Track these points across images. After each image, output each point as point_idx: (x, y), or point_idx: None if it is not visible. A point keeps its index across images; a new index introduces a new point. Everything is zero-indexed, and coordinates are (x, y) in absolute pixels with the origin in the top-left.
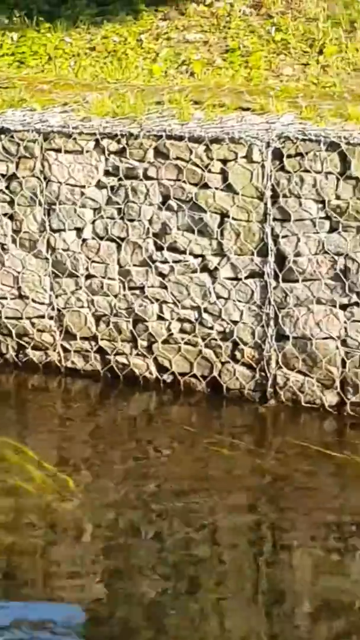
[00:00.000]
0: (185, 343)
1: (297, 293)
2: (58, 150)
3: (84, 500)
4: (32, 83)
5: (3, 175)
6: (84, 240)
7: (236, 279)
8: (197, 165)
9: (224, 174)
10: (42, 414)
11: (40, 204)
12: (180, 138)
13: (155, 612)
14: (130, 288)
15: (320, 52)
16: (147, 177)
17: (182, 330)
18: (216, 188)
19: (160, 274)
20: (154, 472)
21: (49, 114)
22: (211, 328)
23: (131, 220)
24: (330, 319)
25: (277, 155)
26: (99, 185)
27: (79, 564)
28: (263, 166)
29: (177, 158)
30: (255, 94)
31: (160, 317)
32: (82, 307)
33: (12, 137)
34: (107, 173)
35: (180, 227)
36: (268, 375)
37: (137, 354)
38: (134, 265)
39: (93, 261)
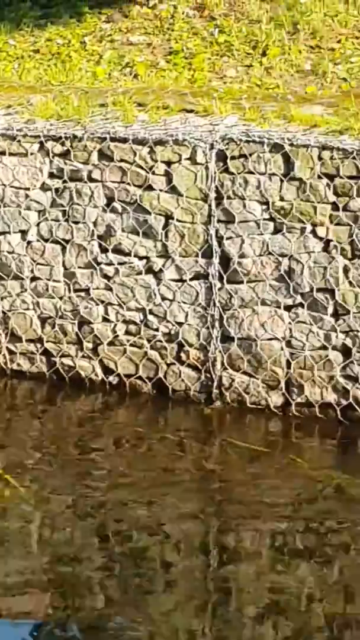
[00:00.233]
0: (131, 345)
1: (242, 294)
2: (2, 153)
3: (28, 502)
4: None
5: None
6: (29, 242)
7: (181, 280)
8: (141, 167)
9: (168, 175)
10: None
11: None
12: (124, 140)
13: (104, 612)
14: (76, 290)
15: (264, 54)
16: (91, 180)
17: (127, 332)
18: (160, 190)
19: (105, 276)
20: (99, 474)
21: None
22: (156, 330)
23: (76, 223)
24: (275, 320)
25: (221, 157)
26: (44, 188)
27: (25, 572)
28: (207, 168)
29: (121, 160)
30: (199, 95)
31: (105, 319)
32: (28, 309)
33: None
34: (51, 175)
35: (125, 229)
36: (213, 376)
37: (83, 356)
38: (79, 267)
39: (38, 263)
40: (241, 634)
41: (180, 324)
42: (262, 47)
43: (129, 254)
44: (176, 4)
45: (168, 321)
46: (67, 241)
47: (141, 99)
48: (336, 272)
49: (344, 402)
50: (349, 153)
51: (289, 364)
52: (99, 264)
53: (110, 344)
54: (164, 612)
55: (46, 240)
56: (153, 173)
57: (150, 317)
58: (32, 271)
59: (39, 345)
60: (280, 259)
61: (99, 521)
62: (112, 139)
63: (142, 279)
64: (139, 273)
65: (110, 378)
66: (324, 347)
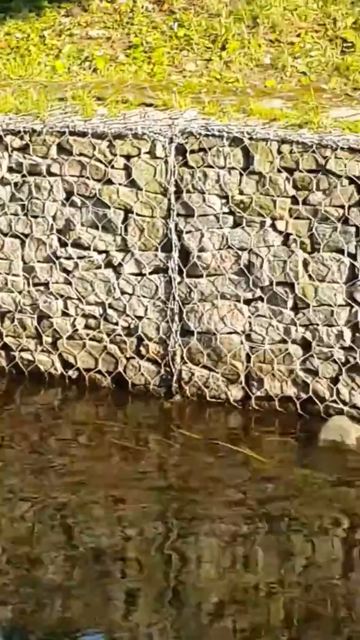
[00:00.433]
0: (90, 339)
1: (202, 288)
2: None
3: None
4: None
5: None
6: None
7: (140, 274)
8: (100, 162)
9: (127, 169)
10: None
11: None
12: (84, 134)
13: (61, 602)
14: (35, 284)
15: (223, 48)
16: (50, 174)
17: (86, 326)
18: (120, 184)
19: (65, 270)
20: (58, 468)
21: None
22: (116, 324)
23: (35, 217)
24: (234, 314)
25: (180, 150)
26: (2, 182)
27: None
28: (166, 162)
29: (81, 154)
30: (158, 89)
31: (64, 313)
32: None
33: None
34: (10, 169)
35: (84, 223)
36: (173, 370)
37: (42, 350)
38: (38, 261)
39: None
40: (200, 631)
41: (139, 318)
42: (221, 41)
43: (88, 248)
44: None
45: (127, 315)
46: (26, 235)
47: (100, 93)
48: (296, 265)
49: (304, 396)
50: (309, 147)
51: (248, 357)
52: (58, 258)
53: (70, 338)
54: (123, 604)
55: (5, 235)
56: (112, 167)
57: (109, 311)
58: None
59: None
60: (239, 252)
61: (59, 516)
62: (71, 133)
63: (102, 273)
64: (99, 267)
65: (70, 372)
66: (284, 341)
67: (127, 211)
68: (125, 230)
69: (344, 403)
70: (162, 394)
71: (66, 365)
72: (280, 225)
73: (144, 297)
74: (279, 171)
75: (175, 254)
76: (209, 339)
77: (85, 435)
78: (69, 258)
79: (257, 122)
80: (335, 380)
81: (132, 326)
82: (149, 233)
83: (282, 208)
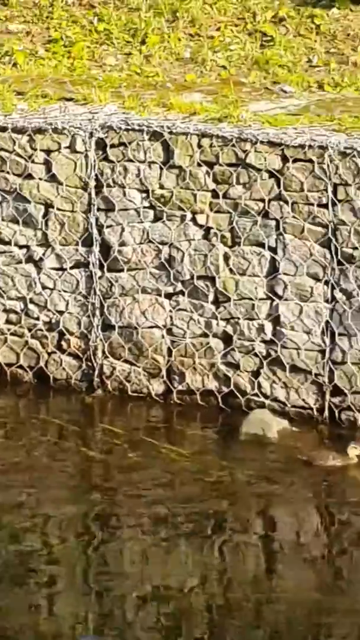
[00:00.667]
0: (12, 334)
1: (123, 282)
2: None
3: None
4: None
5: None
6: None
7: (61, 269)
8: (20, 156)
9: (47, 164)
10: None
11: None
12: (3, 129)
13: None
14: None
15: (143, 42)
16: None
17: (7, 321)
18: (40, 178)
19: None
20: None
21: None
22: (37, 319)
23: None
24: (155, 308)
25: (101, 145)
26: None
27: None
28: (87, 156)
29: (1, 149)
30: (78, 84)
31: None
32: None
33: None
34: None
35: (5, 218)
36: (94, 364)
37: None
38: None
39: None
40: (123, 620)
41: (61, 312)
42: (141, 35)
43: (8, 243)
44: None
45: (49, 310)
46: None
47: (20, 88)
48: (216, 259)
49: (225, 390)
50: (228, 140)
51: (170, 351)
52: None
53: None
54: (44, 597)
55: None
56: (32, 162)
57: (30, 306)
58: None
59: None
60: (160, 247)
61: None
62: None
63: (23, 268)
64: (19, 262)
65: None
66: (205, 335)
67: (48, 206)
68: (46, 224)
69: (265, 396)
70: (84, 389)
71: None
72: (201, 219)
73: (65, 291)
74: (199, 165)
75: (96, 249)
76: (130, 333)
77: (6, 431)
78: None
79: (177, 116)
80: (256, 374)
81: (53, 321)
82: (69, 228)
83: (203, 202)
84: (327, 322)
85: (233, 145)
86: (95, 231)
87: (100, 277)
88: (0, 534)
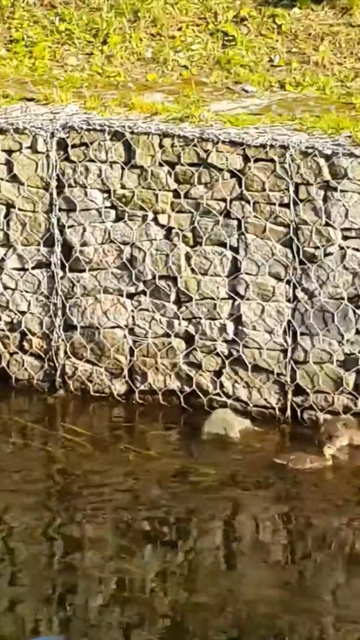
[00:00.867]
0: None
1: (85, 283)
2: None
3: None
4: None
5: None
6: None
7: (23, 269)
8: None
9: (9, 164)
10: None
11: None
12: None
13: None
14: None
15: (105, 42)
16: None
17: None
18: (1, 179)
19: None
20: None
21: None
22: None
23: None
24: (117, 308)
25: (62, 145)
26: None
27: None
28: (48, 156)
29: None
30: (40, 84)
31: None
32: None
33: None
34: None
35: None
36: (57, 365)
37: None
38: None
39: None
40: (87, 622)
41: (22, 312)
42: (103, 35)
43: None
44: None
45: (10, 310)
46: None
47: None
48: (178, 259)
49: (187, 389)
50: (190, 140)
51: (132, 351)
52: None
53: None
54: (8, 603)
55: None
56: None
57: None
58: None
59: None
60: (122, 246)
61: None
62: None
63: None
64: None
65: None
66: (167, 335)
67: (9, 206)
68: (8, 225)
69: (228, 396)
70: (46, 389)
71: None
72: (162, 219)
73: (26, 292)
74: (160, 165)
75: (57, 249)
76: (92, 333)
77: None
78: None
79: (139, 116)
80: (218, 374)
81: (15, 321)
82: (31, 228)
83: (164, 202)
84: (289, 321)
85: (194, 145)
86: (56, 231)
87: (62, 278)
88: None
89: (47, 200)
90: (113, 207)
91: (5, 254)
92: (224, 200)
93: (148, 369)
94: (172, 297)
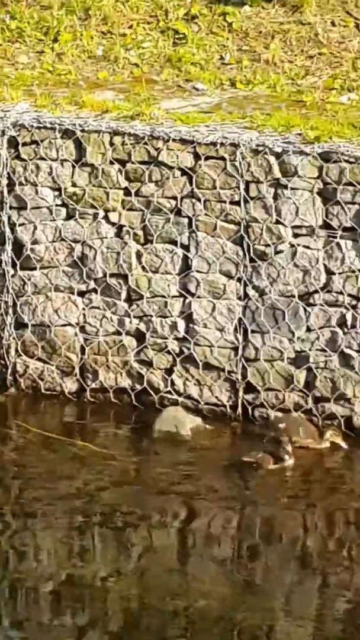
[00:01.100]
0: None
1: (35, 281)
2: None
3: None
4: None
5: None
6: None
7: None
8: None
9: None
10: None
11: None
12: None
13: None
14: None
15: (55, 40)
16: None
17: None
18: None
19: None
20: None
21: None
22: None
23: None
24: (68, 306)
25: (13, 143)
26: None
27: None
28: None
29: None
30: None
31: None
32: None
33: None
34: None
35: None
36: (7, 363)
37: None
38: None
39: None
40: (37, 627)
41: None
42: (53, 33)
43: None
44: None
45: None
46: None
47: None
48: (129, 257)
49: (139, 387)
50: (141, 138)
51: (83, 349)
52: None
53: None
54: None
55: None
56: None
57: None
58: None
59: None
60: (73, 244)
61: None
62: None
63: None
64: None
65: None
66: (118, 333)
67: None
68: None
69: (179, 394)
70: None
71: None
72: (113, 217)
73: None
74: (111, 163)
75: (8, 247)
76: (43, 331)
77: None
78: None
79: (90, 114)
80: (169, 371)
81: None
82: None
83: (115, 200)
84: (239, 319)
85: (145, 143)
86: (7, 229)
87: (13, 276)
88: None
89: None
90: (64, 205)
91: None
92: (175, 198)
93: (99, 367)
94: (123, 295)
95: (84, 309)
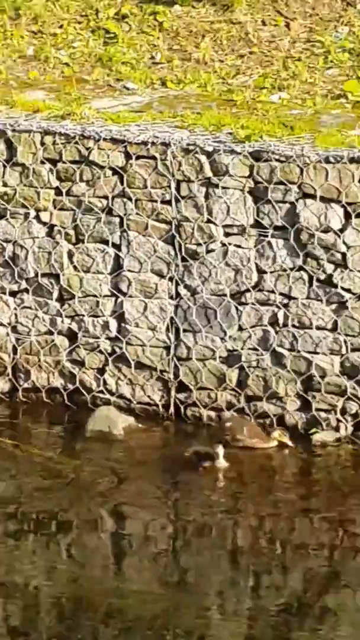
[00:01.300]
0: None
1: None
2: None
3: None
4: None
5: None
6: None
7: None
8: None
9: None
10: None
11: None
12: None
13: None
14: None
15: None
16: None
17: None
18: None
19: None
20: None
21: None
22: None
23: None
24: (0, 306)
25: None
26: None
27: None
28: None
29: None
30: None
31: None
32: None
33: None
34: None
35: None
36: None
37: None
38: None
39: None
40: None
41: None
42: None
43: None
44: None
45: None
46: None
47: None
48: (60, 257)
49: (71, 387)
50: (71, 138)
51: (15, 349)
52: None
53: None
54: None
55: None
56: None
57: None
58: None
59: None
60: (4, 244)
61: None
62: None
63: None
64: None
65: None
66: (50, 332)
67: None
68: None
69: (111, 393)
70: None
71: None
72: (45, 216)
73: None
74: (42, 162)
75: None
76: None
77: None
78: None
79: (20, 114)
80: (101, 371)
81: None
82: None
83: (46, 199)
84: (171, 318)
85: (76, 143)
86: None
87: None
88: None
89: None
90: None
91: None
92: (106, 197)
93: (31, 367)
94: (55, 294)
95: (15, 308)
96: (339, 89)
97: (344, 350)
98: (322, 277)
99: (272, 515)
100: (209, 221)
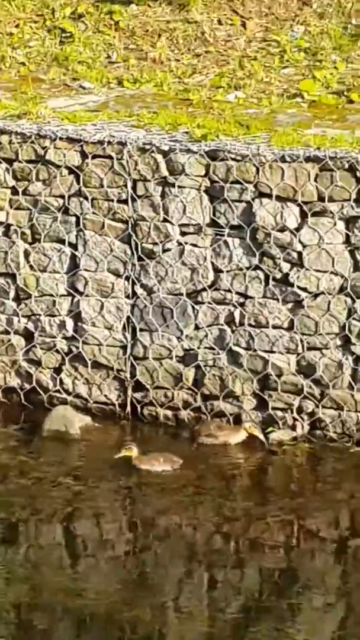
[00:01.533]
0: None
1: None
2: None
3: None
4: None
5: None
6: None
7: None
8: None
9: None
10: None
11: None
12: None
13: None
14: None
15: None
16: None
17: None
18: None
19: None
20: None
21: None
22: None
23: None
24: None
25: None
26: None
27: None
28: None
29: None
30: None
31: None
32: None
33: None
34: None
35: None
36: None
37: None
38: None
39: None
40: None
41: None
42: None
43: None
44: None
45: None
46: None
47: None
48: (17, 256)
49: (27, 387)
50: (28, 137)
51: None
52: None
53: None
54: None
55: None
56: None
57: None
58: None
59: None
60: None
61: None
62: None
63: None
64: None
65: None
66: (6, 332)
67: None
68: None
69: (68, 393)
70: None
71: None
72: (1, 216)
73: None
74: None
75: None
76: None
77: None
78: None
79: None
80: (58, 371)
81: None
82: None
83: (2, 199)
84: (128, 317)
85: (32, 142)
86: None
87: None
88: None
89: None
90: None
91: None
92: (62, 196)
93: None
94: (11, 294)
95: None
96: (294, 88)
97: (300, 349)
98: (279, 276)
99: (228, 510)
100: (165, 220)
